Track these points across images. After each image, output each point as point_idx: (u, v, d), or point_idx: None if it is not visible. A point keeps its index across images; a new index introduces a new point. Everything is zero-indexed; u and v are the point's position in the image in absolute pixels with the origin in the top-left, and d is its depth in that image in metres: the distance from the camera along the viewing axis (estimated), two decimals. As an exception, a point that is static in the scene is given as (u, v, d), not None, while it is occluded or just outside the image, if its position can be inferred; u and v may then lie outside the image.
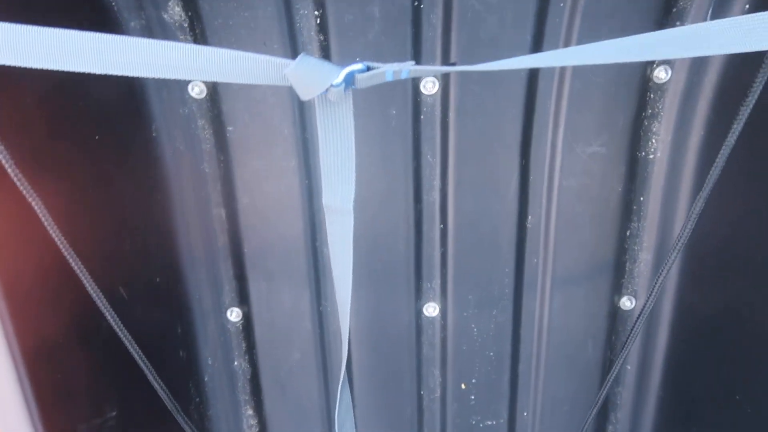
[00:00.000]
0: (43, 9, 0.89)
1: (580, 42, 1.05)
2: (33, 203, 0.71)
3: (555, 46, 1.04)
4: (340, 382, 0.90)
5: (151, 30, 1.01)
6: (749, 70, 0.82)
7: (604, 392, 1.09)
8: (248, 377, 1.35)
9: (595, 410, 1.09)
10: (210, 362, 1.31)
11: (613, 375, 1.07)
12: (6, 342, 0.82)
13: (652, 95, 1.12)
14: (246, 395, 1.37)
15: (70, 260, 0.76)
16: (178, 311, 1.23)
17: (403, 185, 1.18)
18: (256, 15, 1.00)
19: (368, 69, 0.62)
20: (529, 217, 1.21)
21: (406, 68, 0.62)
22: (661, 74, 1.09)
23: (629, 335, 1.02)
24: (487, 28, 1.02)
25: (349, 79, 0.62)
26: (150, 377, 0.90)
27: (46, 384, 0.89)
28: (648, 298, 0.97)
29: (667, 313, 1.26)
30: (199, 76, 0.63)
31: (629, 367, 1.33)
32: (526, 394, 1.36)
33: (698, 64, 1.08)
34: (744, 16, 0.60)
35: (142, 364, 0.89)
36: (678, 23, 1.04)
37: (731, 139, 0.80)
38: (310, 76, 0.61)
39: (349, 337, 1.32)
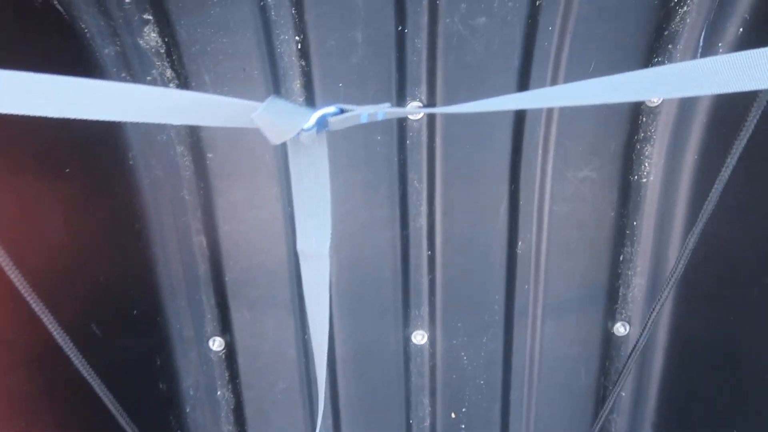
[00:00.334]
0: (12, 36, 0.86)
1: (570, 65, 1.02)
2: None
3: (544, 71, 1.01)
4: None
5: (127, 57, 0.98)
6: (743, 93, 0.78)
7: (600, 423, 1.06)
8: (232, 407, 1.31)
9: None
10: (192, 393, 1.27)
11: (609, 405, 1.04)
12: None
13: (644, 119, 1.09)
14: (230, 426, 1.33)
15: (31, 302, 0.72)
16: (158, 342, 1.19)
17: (389, 211, 1.15)
18: (234, 41, 0.96)
19: (341, 111, 0.59)
20: (520, 243, 1.18)
21: (382, 110, 0.58)
22: (653, 98, 1.06)
23: (625, 363, 0.99)
24: (473, 53, 0.98)
25: (322, 123, 0.58)
26: (120, 420, 0.86)
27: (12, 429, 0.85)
28: (643, 328, 0.94)
29: (662, 339, 1.23)
30: (163, 119, 0.60)
31: (624, 394, 1.30)
32: (518, 422, 1.32)
33: (691, 88, 1.05)
34: (739, 53, 0.56)
35: (110, 405, 0.85)
36: (670, 46, 1.01)
37: (725, 173, 0.77)
38: (280, 120, 0.58)
39: (335, 367, 1.29)
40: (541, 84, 1.03)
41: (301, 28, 0.96)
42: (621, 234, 1.18)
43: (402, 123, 1.08)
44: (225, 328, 1.25)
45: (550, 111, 1.07)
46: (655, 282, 1.21)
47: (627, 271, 1.21)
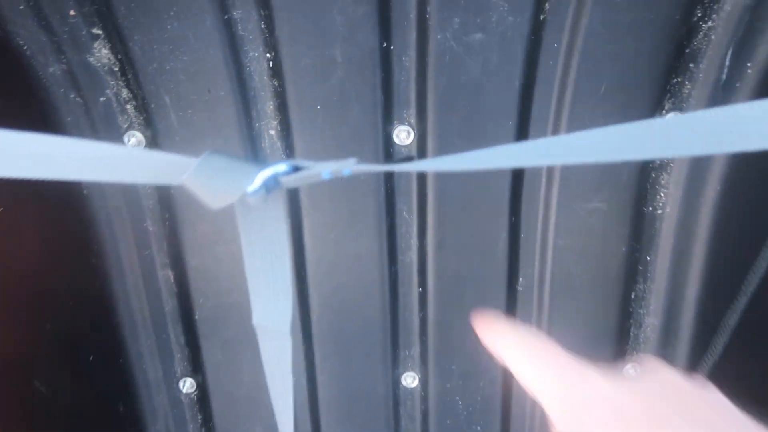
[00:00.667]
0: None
1: (578, 86, 0.90)
2: None
3: (549, 93, 0.90)
4: None
5: (75, 76, 0.86)
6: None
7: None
8: (205, 453, 1.20)
9: None
10: (161, 439, 1.17)
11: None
12: None
13: (660, 144, 0.97)
14: (203, 473, 1.22)
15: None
16: (120, 386, 1.08)
17: (376, 245, 1.04)
18: (196, 58, 0.85)
19: (295, 169, 0.47)
20: (521, 280, 1.06)
21: (347, 168, 0.47)
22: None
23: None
24: (468, 73, 0.87)
25: (271, 183, 0.47)
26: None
27: None
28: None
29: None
30: (79, 176, 0.48)
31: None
32: (518, 471, 1.21)
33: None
34: None
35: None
36: (691, 65, 0.89)
37: None
38: (217, 182, 0.46)
39: (318, 412, 1.18)
40: (545, 107, 0.91)
41: (272, 44, 0.84)
42: (633, 270, 1.06)
43: (389, 147, 0.96)
44: (196, 368, 1.14)
45: (554, 135, 0.95)
46: (670, 321, 1.09)
47: (639, 310, 1.09)
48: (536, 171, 0.97)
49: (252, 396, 1.17)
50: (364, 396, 1.16)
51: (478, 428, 1.18)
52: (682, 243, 1.03)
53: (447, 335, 1.11)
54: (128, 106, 0.90)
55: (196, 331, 1.11)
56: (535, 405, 1.15)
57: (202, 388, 1.16)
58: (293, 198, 0.99)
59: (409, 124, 0.93)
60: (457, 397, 1.15)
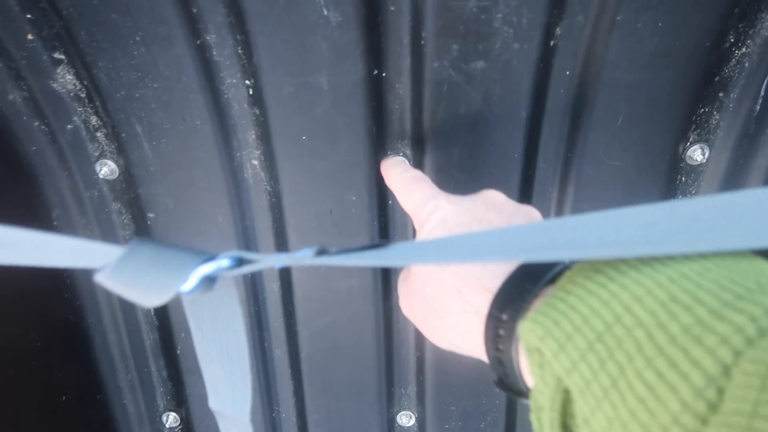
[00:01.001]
0: None
1: (591, 118, 0.81)
2: None
3: (559, 124, 0.81)
4: None
5: (37, 103, 0.79)
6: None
7: None
8: (191, 490, 1.15)
9: None
10: (143, 476, 1.11)
11: None
12: None
13: (683, 178, 0.88)
14: None
15: None
16: (100, 423, 1.02)
17: (369, 279, 0.96)
18: (168, 86, 0.77)
19: (240, 262, 0.39)
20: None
21: (303, 259, 0.39)
22: (696, 155, 0.85)
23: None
24: (468, 103, 0.78)
25: (211, 278, 0.39)
26: None
27: None
28: None
29: None
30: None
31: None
32: None
33: (745, 145, 0.83)
34: None
35: None
36: (721, 94, 0.80)
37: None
38: (144, 279, 0.38)
39: (306, 451, 1.11)
40: (555, 138, 0.82)
41: (250, 71, 0.76)
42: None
43: (381, 178, 0.88)
44: (180, 402, 1.08)
45: (565, 168, 0.86)
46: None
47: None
48: (545, 206, 0.88)
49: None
50: (358, 435, 1.09)
51: (479, 471, 1.10)
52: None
53: (445, 374, 1.03)
54: (98, 134, 0.83)
55: (179, 365, 1.04)
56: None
57: (186, 423, 1.10)
58: (280, 232, 0.92)
59: (405, 155, 0.84)
60: (457, 439, 1.08)
